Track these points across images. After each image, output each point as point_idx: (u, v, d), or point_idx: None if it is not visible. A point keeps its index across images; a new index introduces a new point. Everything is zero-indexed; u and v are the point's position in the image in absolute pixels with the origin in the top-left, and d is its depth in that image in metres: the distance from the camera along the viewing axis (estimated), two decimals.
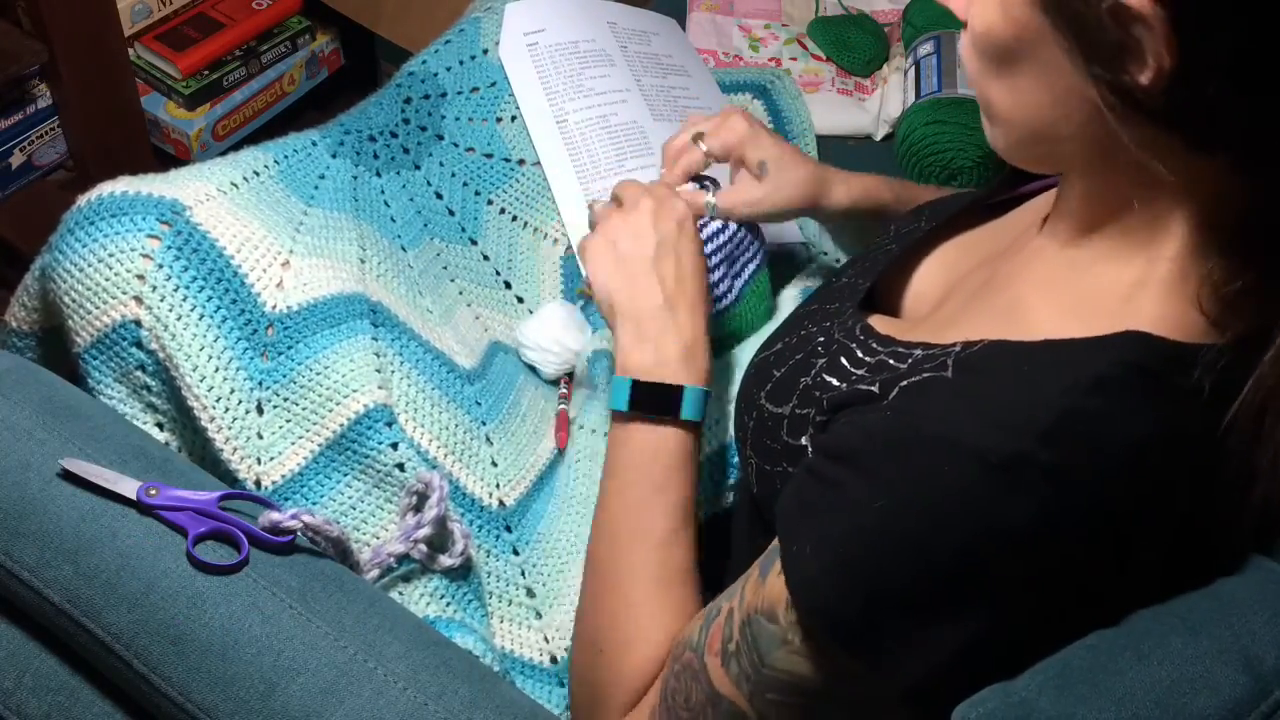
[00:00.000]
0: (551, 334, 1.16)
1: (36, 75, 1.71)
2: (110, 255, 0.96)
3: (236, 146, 1.10)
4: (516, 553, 1.04)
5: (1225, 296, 0.67)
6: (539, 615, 1.02)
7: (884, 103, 1.50)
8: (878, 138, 1.49)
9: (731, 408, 1.00)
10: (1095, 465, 0.65)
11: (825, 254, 1.27)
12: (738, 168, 1.09)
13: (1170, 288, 0.69)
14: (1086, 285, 0.72)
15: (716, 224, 1.08)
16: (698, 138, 1.09)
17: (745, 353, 1.10)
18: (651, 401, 0.91)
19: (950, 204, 0.99)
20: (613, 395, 0.92)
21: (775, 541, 0.77)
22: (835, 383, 0.80)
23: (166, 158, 1.92)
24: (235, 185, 1.05)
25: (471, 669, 0.89)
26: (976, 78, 0.73)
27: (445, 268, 1.20)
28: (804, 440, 0.81)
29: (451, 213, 1.23)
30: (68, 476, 0.85)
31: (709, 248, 1.07)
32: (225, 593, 0.84)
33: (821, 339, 0.86)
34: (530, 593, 1.03)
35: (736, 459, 1.03)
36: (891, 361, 0.77)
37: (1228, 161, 0.65)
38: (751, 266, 1.11)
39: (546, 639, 1.01)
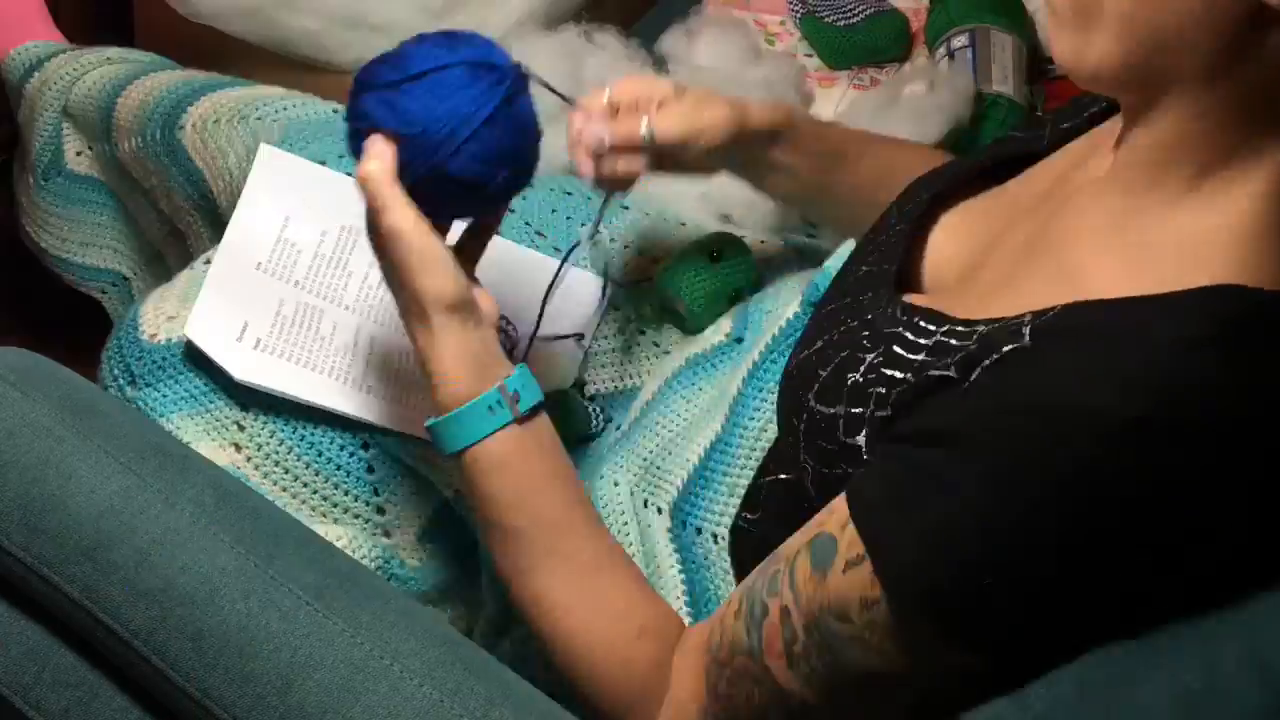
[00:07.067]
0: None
1: None
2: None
3: None
4: None
5: None
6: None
7: None
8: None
9: None
10: (1215, 427, 0.63)
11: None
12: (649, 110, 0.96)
13: (1257, 231, 0.66)
14: (1157, 235, 0.69)
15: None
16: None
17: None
18: (448, 437, 0.88)
19: (948, 172, 0.95)
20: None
21: (821, 530, 0.75)
22: (897, 375, 0.76)
23: None
24: None
25: (488, 665, 0.89)
26: None
27: None
28: (861, 439, 0.78)
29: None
30: None
31: None
32: (243, 589, 0.84)
33: (866, 332, 0.82)
34: None
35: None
36: (954, 342, 0.74)
37: None
38: None
39: None
